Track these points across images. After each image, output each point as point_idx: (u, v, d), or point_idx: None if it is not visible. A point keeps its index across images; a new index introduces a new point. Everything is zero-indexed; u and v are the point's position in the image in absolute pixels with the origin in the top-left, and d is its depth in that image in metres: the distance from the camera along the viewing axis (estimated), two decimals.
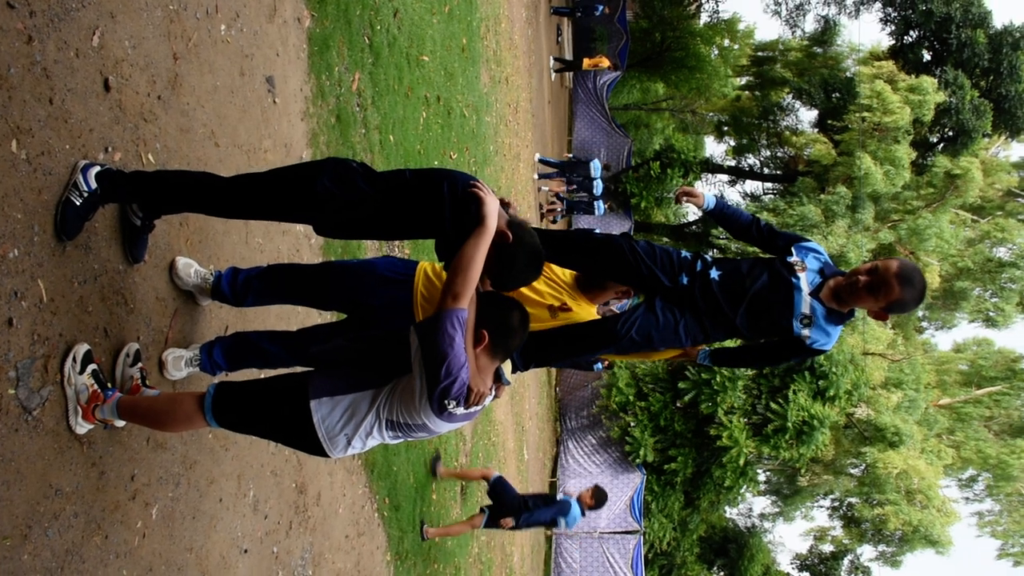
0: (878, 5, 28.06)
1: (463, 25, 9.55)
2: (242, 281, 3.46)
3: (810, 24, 34.00)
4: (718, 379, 17.74)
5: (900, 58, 26.21)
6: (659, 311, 3.38)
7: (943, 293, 26.76)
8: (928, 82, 23.35)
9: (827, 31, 31.32)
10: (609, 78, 27.61)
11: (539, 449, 18.23)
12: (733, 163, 34.01)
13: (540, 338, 3.43)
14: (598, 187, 20.85)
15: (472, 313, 2.66)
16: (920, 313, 28.79)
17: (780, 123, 31.24)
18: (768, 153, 32.46)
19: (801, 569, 33.75)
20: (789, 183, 26.82)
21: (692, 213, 34.49)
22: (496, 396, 2.83)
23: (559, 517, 8.80)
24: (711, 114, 35.45)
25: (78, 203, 2.60)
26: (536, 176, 18.24)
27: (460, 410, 2.63)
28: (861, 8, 29.07)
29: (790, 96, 30.56)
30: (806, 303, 3.34)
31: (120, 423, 2.82)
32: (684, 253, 3.49)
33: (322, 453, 2.78)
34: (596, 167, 19.82)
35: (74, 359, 2.62)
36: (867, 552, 30.62)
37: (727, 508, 28.68)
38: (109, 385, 2.78)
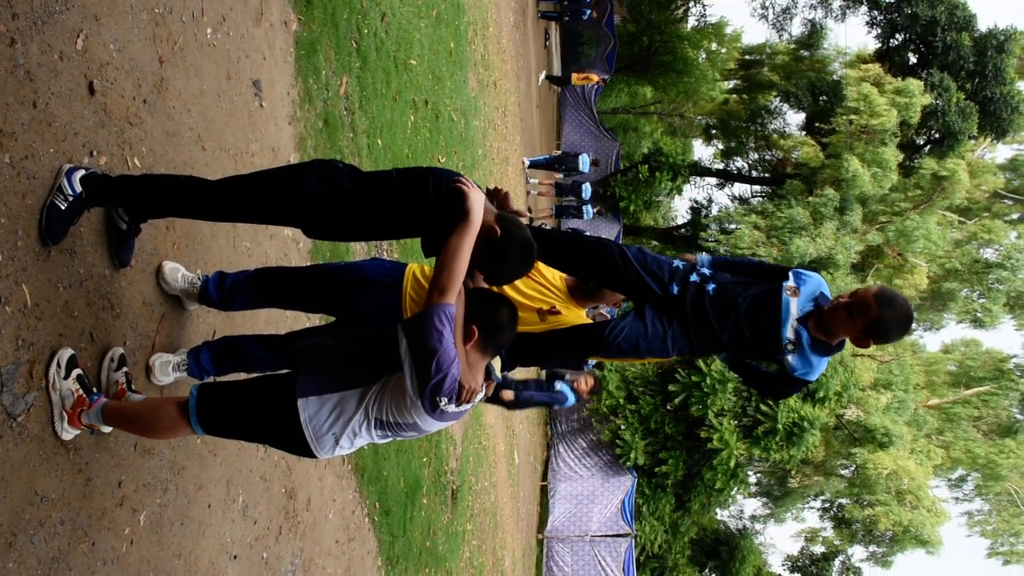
0: (864, 9, 28.18)
1: (451, 29, 9.55)
2: (229, 285, 3.44)
3: (797, 28, 34.12)
4: (708, 381, 17.76)
5: (886, 61, 26.33)
6: (648, 319, 3.33)
7: (931, 294, 26.85)
8: (914, 85, 23.46)
9: (814, 35, 31.45)
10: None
11: (530, 453, 18.22)
12: (721, 166, 34.09)
13: (527, 340, 3.42)
14: (586, 191, 20.90)
15: (461, 309, 2.64)
16: None
17: (768, 126, 31.34)
18: (756, 156, 32.55)
19: (792, 570, 33.78)
20: (777, 186, 26.89)
21: (681, 216, 34.61)
22: (487, 394, 2.82)
23: (554, 403, 9.03)
24: (699, 117, 35.58)
25: (63, 207, 2.58)
26: (525, 162, 18.20)
27: (452, 407, 2.61)
28: (847, 12, 29.22)
29: (777, 99, 30.67)
30: (791, 328, 3.29)
31: (107, 428, 2.80)
32: (677, 263, 3.43)
33: (309, 453, 2.75)
34: (584, 161, 19.93)
35: (58, 364, 2.59)
36: (858, 553, 30.69)
37: (718, 510, 28.66)
38: (95, 390, 2.76)
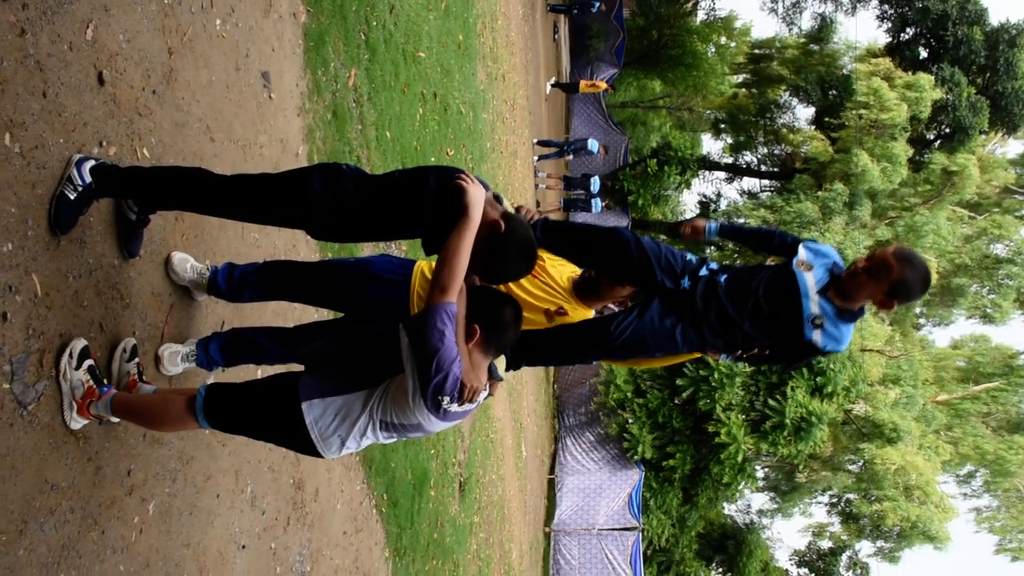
0: (875, 2, 28.05)
1: (459, 21, 9.54)
2: (238, 277, 3.45)
3: (807, 22, 34.08)
4: (716, 376, 17.74)
5: (897, 55, 26.19)
6: (655, 315, 3.28)
7: (941, 290, 26.74)
8: (925, 79, 23.34)
9: (824, 28, 31.30)
10: (606, 76, 27.61)
11: (537, 446, 18.23)
12: (730, 160, 34.00)
13: (531, 338, 3.39)
14: (595, 184, 20.88)
15: (463, 308, 2.63)
16: (918, 310, 28.81)
17: (777, 120, 31.22)
18: (765, 150, 32.44)
19: (799, 565, 33.76)
20: (786, 180, 26.82)
21: (689, 210, 34.51)
22: (490, 393, 2.80)
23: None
24: (708, 112, 35.46)
25: (72, 197, 2.59)
26: (535, 159, 18.29)
27: (455, 407, 2.59)
28: (858, 5, 29.07)
29: (787, 93, 30.55)
30: (814, 303, 3.23)
31: (115, 419, 2.81)
32: (689, 256, 3.39)
33: (315, 454, 2.75)
34: (594, 145, 19.95)
35: (71, 354, 2.60)
36: (865, 548, 30.64)
37: (725, 504, 28.70)
38: (105, 381, 2.77)
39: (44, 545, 2.47)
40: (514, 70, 14.75)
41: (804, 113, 31.34)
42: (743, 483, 19.45)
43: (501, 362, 2.86)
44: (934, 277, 24.95)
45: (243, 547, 3.87)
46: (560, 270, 3.68)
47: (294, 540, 4.51)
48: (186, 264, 3.34)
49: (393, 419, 2.69)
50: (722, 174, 34.08)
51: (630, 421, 19.32)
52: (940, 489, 24.04)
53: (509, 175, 13.46)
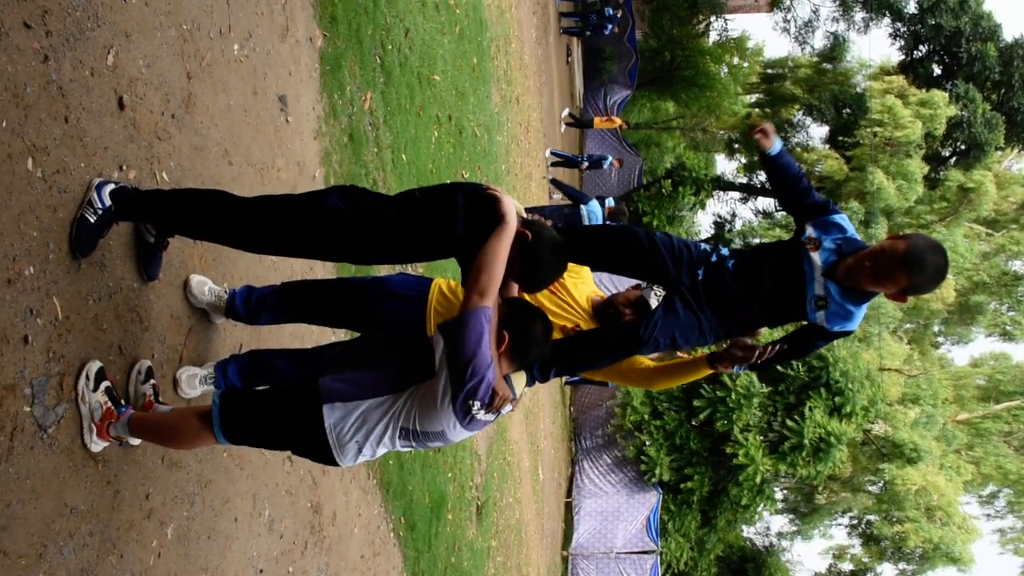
0: (887, 20, 28.07)
1: (473, 45, 9.60)
2: (256, 299, 3.46)
3: (819, 41, 33.96)
4: (733, 396, 17.62)
5: (910, 72, 26.21)
6: (680, 309, 3.20)
7: (959, 308, 26.58)
8: (939, 96, 23.32)
9: (836, 47, 31.33)
10: (620, 97, 27.71)
11: (554, 469, 18.14)
12: (744, 180, 33.98)
13: (560, 345, 3.35)
14: (610, 204, 20.94)
15: (495, 316, 2.63)
16: (936, 328, 28.58)
17: (791, 139, 31.23)
18: None
19: None
20: None
21: (704, 231, 34.38)
22: (514, 407, 2.79)
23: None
24: (722, 132, 35.46)
25: (92, 220, 2.60)
26: (548, 165, 18.36)
27: (482, 414, 2.59)
28: (870, 24, 29.10)
29: (801, 113, 30.59)
30: (818, 283, 3.12)
31: (135, 441, 2.81)
32: (703, 245, 3.31)
33: (331, 460, 2.72)
34: (607, 158, 20.09)
35: (87, 376, 2.61)
36: (887, 570, 30.43)
37: (744, 527, 28.39)
38: (123, 402, 2.77)
39: (63, 569, 2.46)
40: (528, 93, 14.82)
41: (818, 132, 31.28)
42: (762, 505, 19.26)
43: (519, 381, 2.84)
44: (952, 296, 24.83)
45: (261, 571, 3.86)
46: (581, 289, 3.67)
47: (312, 564, 4.49)
48: (204, 287, 3.35)
49: (415, 426, 2.67)
50: (736, 194, 34.05)
51: (647, 443, 19.20)
52: (962, 510, 23.78)
53: (524, 197, 13.48)
